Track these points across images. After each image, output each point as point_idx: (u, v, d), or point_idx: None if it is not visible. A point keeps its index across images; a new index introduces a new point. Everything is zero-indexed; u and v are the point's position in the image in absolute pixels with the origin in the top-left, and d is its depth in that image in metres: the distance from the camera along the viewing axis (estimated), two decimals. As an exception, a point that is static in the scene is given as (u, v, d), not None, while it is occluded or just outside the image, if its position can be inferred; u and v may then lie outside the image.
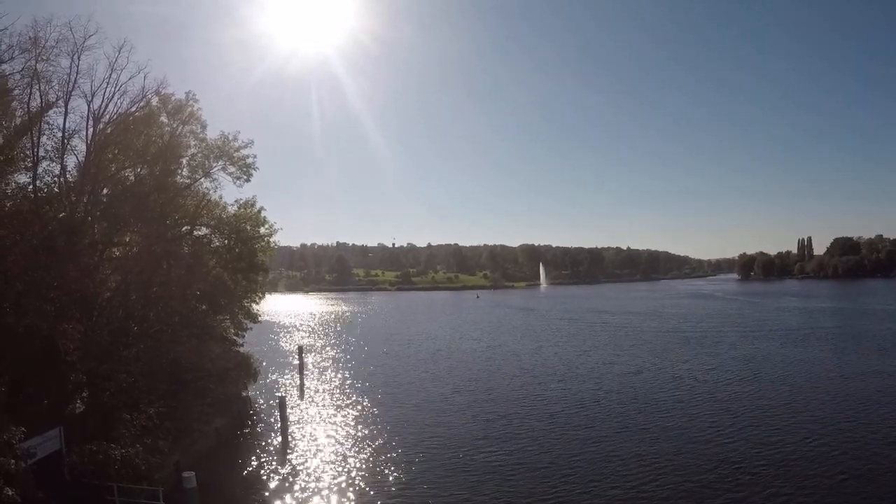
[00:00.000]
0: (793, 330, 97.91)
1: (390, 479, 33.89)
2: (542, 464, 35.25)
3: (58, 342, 26.59)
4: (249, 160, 43.63)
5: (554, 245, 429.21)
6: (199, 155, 42.58)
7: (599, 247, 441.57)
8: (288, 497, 31.85)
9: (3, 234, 26.38)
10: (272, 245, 52.05)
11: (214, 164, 42.88)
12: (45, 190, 31.93)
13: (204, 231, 46.63)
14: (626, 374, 62.37)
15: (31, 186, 30.93)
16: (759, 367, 64.40)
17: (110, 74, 34.52)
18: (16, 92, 30.19)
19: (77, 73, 32.98)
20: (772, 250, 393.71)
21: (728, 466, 33.78)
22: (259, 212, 48.11)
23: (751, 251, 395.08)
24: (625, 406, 48.32)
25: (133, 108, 36.26)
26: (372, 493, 31.90)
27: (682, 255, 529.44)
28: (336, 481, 33.84)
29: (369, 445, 40.15)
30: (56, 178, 32.98)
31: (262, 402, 52.72)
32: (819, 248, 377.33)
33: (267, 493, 32.70)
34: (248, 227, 47.61)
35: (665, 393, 52.86)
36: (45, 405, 26.16)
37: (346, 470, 35.62)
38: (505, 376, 63.63)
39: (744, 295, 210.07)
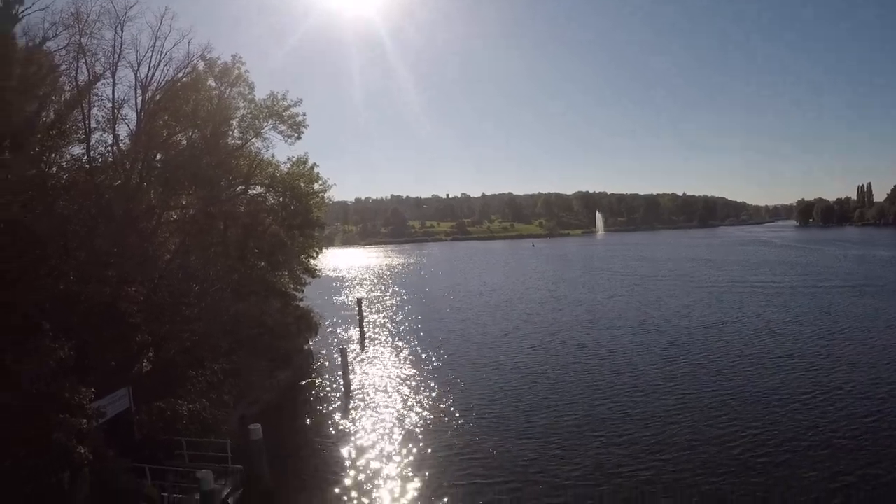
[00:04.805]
0: (861, 279, 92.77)
1: (454, 433, 34.19)
2: (625, 428, 33.55)
3: (120, 306, 27.69)
4: (299, 118, 43.89)
5: (609, 192, 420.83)
6: (249, 116, 42.96)
7: (655, 193, 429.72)
8: (351, 448, 32.76)
9: (61, 206, 27.40)
10: (327, 200, 52.73)
11: (265, 124, 43.27)
12: (100, 160, 32.79)
13: (258, 190, 47.29)
14: (704, 326, 60.28)
15: (85, 157, 31.83)
16: (838, 320, 60.94)
17: (154, 43, 34.90)
18: (63, 67, 30.81)
19: (122, 45, 33.42)
20: (831, 196, 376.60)
21: (825, 428, 32.16)
22: (312, 168, 48.63)
23: (809, 197, 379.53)
24: (709, 362, 46.36)
25: (180, 75, 36.67)
26: (434, 445, 32.39)
27: (738, 201, 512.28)
28: (397, 432, 34.62)
29: (432, 397, 40.76)
30: (109, 148, 33.89)
31: (323, 355, 54.17)
32: (879, 195, 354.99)
33: (330, 444, 33.76)
34: (302, 184, 48.12)
35: (747, 348, 50.37)
36: (113, 367, 27.39)
37: (407, 421, 36.33)
38: (576, 328, 62.77)
39: (805, 242, 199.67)
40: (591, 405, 37.64)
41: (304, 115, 43.78)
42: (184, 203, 39.81)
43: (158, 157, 36.42)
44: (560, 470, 28.58)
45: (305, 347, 51.16)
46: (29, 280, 22.03)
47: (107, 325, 26.50)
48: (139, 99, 34.85)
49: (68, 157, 31.61)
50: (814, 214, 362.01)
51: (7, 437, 19.13)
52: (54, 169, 30.04)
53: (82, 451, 20.76)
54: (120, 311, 27.60)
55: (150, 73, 35.14)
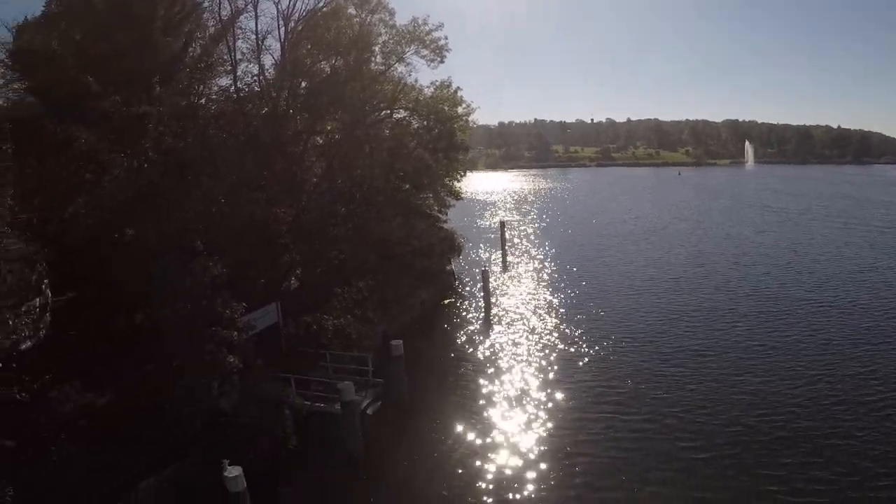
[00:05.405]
0: None
1: (590, 363, 33.86)
2: (765, 375, 31.11)
3: (270, 227, 29.52)
4: (441, 42, 43.73)
5: (759, 121, 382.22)
6: (391, 41, 43.36)
7: (807, 124, 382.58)
8: (487, 369, 33.50)
9: (211, 134, 29.30)
10: (470, 124, 52.54)
11: (407, 49, 43.53)
12: (246, 90, 34.79)
13: (402, 114, 48.02)
14: (854, 271, 54.28)
15: (232, 88, 33.95)
16: None
17: (292, -25, 35.90)
18: (205, 4, 32.65)
19: (262, -22, 34.74)
20: None
21: None
22: (455, 92, 48.37)
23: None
24: (859, 310, 41.85)
25: (320, 4, 37.67)
26: (570, 375, 32.24)
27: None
28: (534, 358, 34.86)
29: (571, 324, 40.41)
30: (255, 78, 35.76)
31: (465, 275, 55.22)
32: None
33: (468, 363, 34.77)
34: (446, 108, 48.15)
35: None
36: (263, 283, 29.47)
37: (545, 348, 36.39)
38: (721, 262, 59.38)
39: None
40: (731, 346, 35.51)
41: (446, 38, 43.54)
42: (329, 128, 41.31)
43: (303, 84, 37.82)
44: (695, 416, 27.24)
45: (448, 268, 52.29)
46: (183, 203, 23.98)
47: (257, 244, 28.40)
48: (282, 30, 36.27)
49: (216, 88, 33.87)
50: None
51: (165, 347, 21.35)
52: (203, 100, 32.13)
53: (232, 360, 22.80)
54: (269, 232, 29.39)
55: (291, 4, 36.37)
